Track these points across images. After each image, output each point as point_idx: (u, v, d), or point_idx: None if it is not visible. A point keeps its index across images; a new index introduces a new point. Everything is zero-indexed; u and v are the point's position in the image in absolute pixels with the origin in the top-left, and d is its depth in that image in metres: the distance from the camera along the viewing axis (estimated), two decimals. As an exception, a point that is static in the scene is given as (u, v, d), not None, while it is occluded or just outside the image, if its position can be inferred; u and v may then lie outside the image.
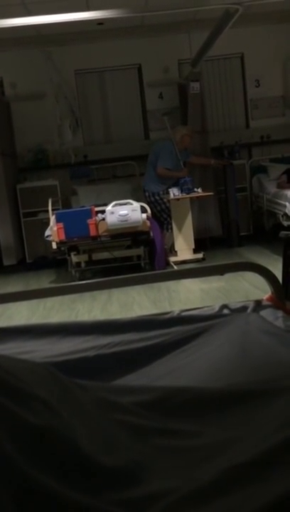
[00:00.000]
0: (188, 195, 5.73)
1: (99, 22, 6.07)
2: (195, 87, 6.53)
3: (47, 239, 5.59)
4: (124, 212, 5.22)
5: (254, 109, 7.28)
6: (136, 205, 5.31)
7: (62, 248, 5.58)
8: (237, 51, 7.10)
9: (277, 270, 2.59)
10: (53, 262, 6.41)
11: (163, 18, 6.20)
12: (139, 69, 7.13)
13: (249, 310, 1.84)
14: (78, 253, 5.68)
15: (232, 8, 4.49)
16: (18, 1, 5.42)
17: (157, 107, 7.02)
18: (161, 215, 6.12)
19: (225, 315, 1.82)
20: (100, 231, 5.31)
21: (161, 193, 6.08)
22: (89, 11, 5.24)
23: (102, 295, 4.70)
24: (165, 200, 6.02)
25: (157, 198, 6.11)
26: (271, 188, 6.44)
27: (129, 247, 5.76)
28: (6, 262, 6.46)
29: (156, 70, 7.01)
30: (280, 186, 6.29)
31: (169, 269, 5.23)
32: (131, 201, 5.37)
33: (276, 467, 0.87)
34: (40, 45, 6.67)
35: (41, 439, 0.85)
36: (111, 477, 0.87)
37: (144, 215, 5.39)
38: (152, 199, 6.11)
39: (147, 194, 6.17)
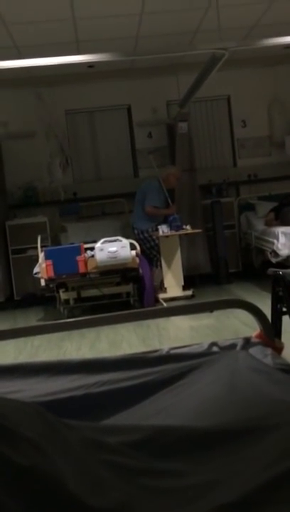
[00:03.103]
0: (177, 232, 5.77)
1: (89, 65, 6.23)
2: (183, 126, 6.68)
3: (36, 276, 5.56)
4: (113, 249, 5.24)
5: (241, 148, 7.44)
6: (125, 241, 5.34)
7: (51, 285, 5.56)
8: (223, 93, 7.31)
9: (266, 307, 2.60)
10: (42, 299, 6.37)
11: (151, 61, 6.39)
12: (129, 109, 7.30)
13: (237, 347, 1.84)
14: (67, 290, 5.66)
15: (219, 52, 4.64)
16: (10, 44, 5.57)
17: (146, 146, 7.15)
18: (151, 252, 6.15)
19: (214, 353, 1.82)
20: (89, 268, 5.31)
21: (150, 230, 6.12)
22: (80, 54, 5.38)
23: (91, 333, 4.66)
24: (154, 237, 6.06)
25: (146, 235, 6.15)
26: (260, 226, 6.52)
27: (118, 284, 5.75)
28: (-6, 299, 6.41)
29: (145, 111, 7.18)
30: (268, 224, 6.36)
31: (158, 307, 5.22)
32: (120, 238, 5.40)
33: (264, 506, 0.86)
34: (32, 85, 6.81)
35: (27, 479, 0.83)
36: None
37: (133, 252, 5.41)
38: (141, 236, 6.15)
39: (136, 231, 6.20)
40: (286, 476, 0.93)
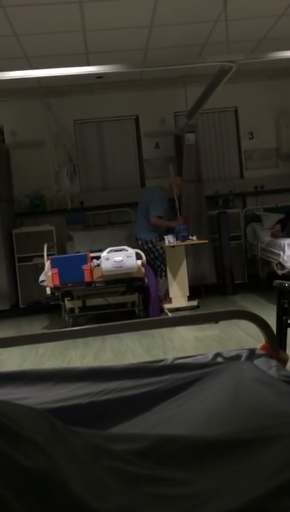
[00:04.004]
0: (183, 243, 5.78)
1: (98, 75, 6.29)
2: (190, 137, 6.72)
3: (42, 284, 5.58)
4: (119, 258, 5.25)
5: (248, 160, 7.47)
6: (131, 251, 5.35)
7: (56, 293, 5.57)
8: (231, 105, 7.35)
9: (272, 319, 2.60)
10: (47, 307, 6.38)
11: (160, 73, 6.45)
12: (137, 120, 7.34)
13: (242, 359, 1.84)
14: (72, 299, 5.67)
15: (227, 65, 4.67)
16: (21, 55, 5.64)
17: (153, 157, 7.20)
18: (155, 263, 6.15)
19: (219, 363, 1.82)
20: (95, 277, 5.32)
21: (154, 240, 6.13)
22: (90, 65, 5.44)
23: (95, 342, 4.66)
24: (158, 247, 6.07)
25: (150, 245, 6.16)
26: (266, 237, 6.52)
27: (123, 294, 5.76)
28: (-1, 307, 6.43)
29: (153, 121, 7.23)
30: (274, 235, 6.36)
31: (163, 317, 5.21)
32: (126, 247, 5.41)
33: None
34: (41, 95, 6.88)
35: (33, 481, 0.84)
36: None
37: (139, 262, 5.41)
38: (145, 247, 6.15)
39: (140, 242, 6.20)
40: (287, 486, 0.93)
